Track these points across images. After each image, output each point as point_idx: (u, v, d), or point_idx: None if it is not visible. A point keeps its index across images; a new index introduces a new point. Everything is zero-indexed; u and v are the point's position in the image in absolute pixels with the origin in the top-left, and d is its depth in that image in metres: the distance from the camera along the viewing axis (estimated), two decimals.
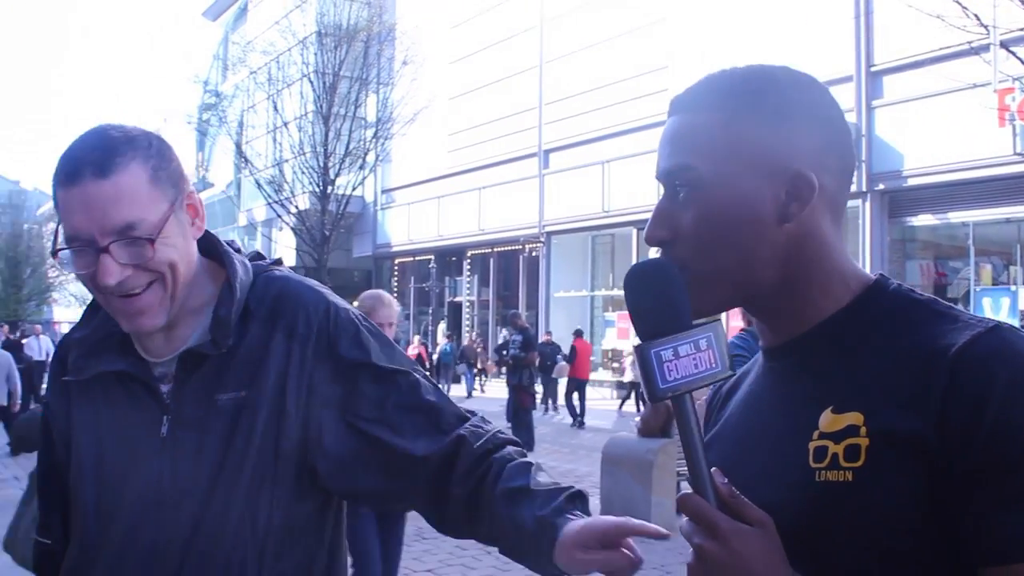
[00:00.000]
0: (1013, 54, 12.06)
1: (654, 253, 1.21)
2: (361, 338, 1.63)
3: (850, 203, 1.02)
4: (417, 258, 31.46)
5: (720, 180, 1.12)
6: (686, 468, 1.08)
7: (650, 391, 1.07)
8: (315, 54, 26.13)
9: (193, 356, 1.55)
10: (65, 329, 33.76)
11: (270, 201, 26.70)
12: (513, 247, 26.23)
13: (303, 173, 26.09)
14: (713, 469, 1.06)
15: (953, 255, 17.06)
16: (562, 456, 13.17)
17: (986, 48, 12.82)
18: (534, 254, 25.45)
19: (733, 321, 8.71)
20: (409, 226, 30.95)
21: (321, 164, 25.61)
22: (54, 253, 1.51)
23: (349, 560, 3.50)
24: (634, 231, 22.09)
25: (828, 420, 1.06)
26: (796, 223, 1.12)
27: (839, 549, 1.02)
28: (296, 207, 26.26)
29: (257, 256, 1.77)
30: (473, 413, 1.69)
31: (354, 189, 26.96)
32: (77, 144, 1.47)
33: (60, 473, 1.67)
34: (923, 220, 16.88)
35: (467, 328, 28.70)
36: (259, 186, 27.23)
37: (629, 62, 22.02)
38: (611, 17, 22.78)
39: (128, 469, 1.56)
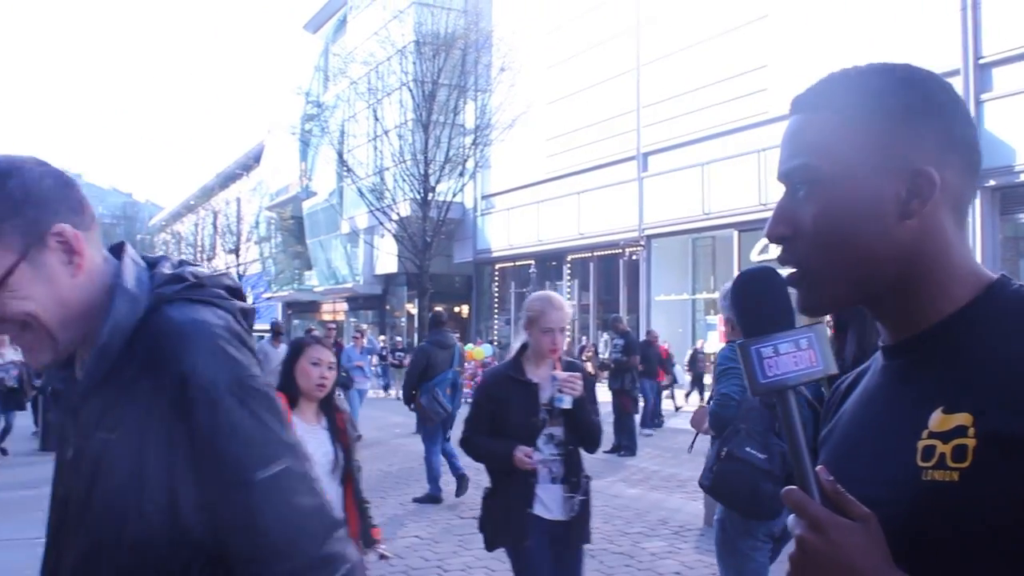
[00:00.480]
0: None
1: (756, 256, 1.27)
2: (218, 417, 1.41)
3: None
4: (517, 263, 31.52)
5: (840, 178, 1.13)
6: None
7: (751, 386, 1.11)
8: (414, 63, 26.53)
9: (81, 386, 1.50)
10: None
11: (372, 209, 27.15)
12: (613, 251, 26.07)
13: (404, 180, 26.47)
14: (819, 466, 1.08)
15: None
16: (664, 460, 13.06)
17: None
18: (634, 257, 25.27)
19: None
20: (509, 231, 31.07)
21: (421, 171, 25.96)
22: None
23: None
24: (735, 233, 21.81)
25: (938, 420, 1.06)
26: (917, 220, 1.11)
27: (942, 548, 1.01)
28: (397, 214, 26.64)
29: (174, 279, 1.59)
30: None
31: (454, 195, 27.23)
32: None
33: None
34: None
35: (567, 333, 28.65)
36: (361, 194, 27.72)
37: (727, 62, 21.77)
38: (709, 17, 22.57)
39: (56, 485, 1.57)
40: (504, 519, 4.11)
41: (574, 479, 4.10)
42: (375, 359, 24.62)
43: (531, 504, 4.00)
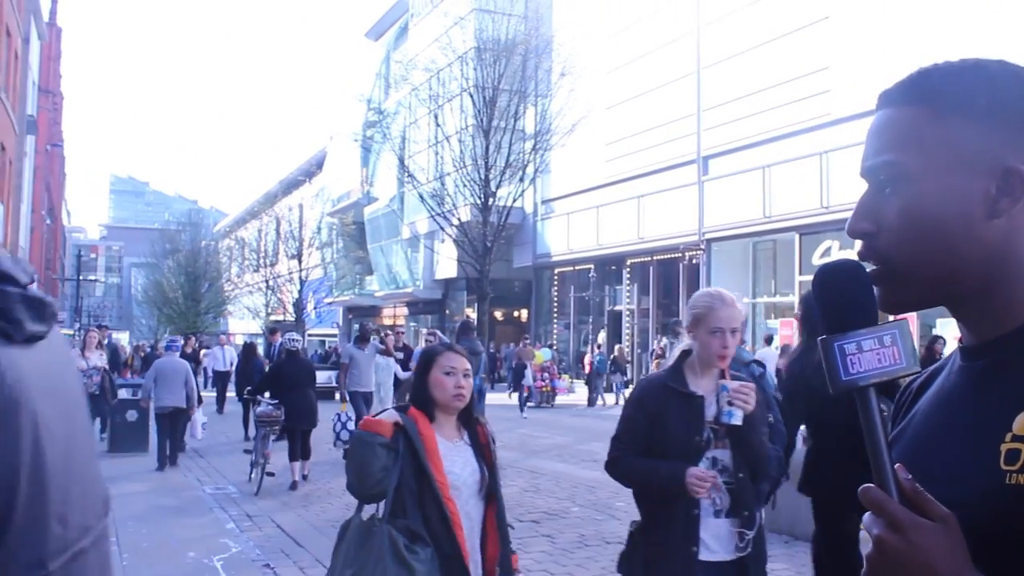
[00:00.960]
0: None
1: (818, 259, 1.27)
2: None
3: None
4: (577, 267, 31.63)
5: (927, 174, 1.12)
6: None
7: (831, 383, 1.09)
8: (474, 69, 26.75)
9: None
10: (239, 340, 35.32)
11: (432, 214, 27.42)
12: (673, 255, 26.08)
13: (464, 186, 26.69)
14: (897, 465, 1.06)
15: None
16: None
17: None
18: (694, 261, 25.25)
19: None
20: (568, 236, 31.14)
21: (482, 176, 26.16)
22: None
23: None
24: (796, 236, 21.73)
25: (1023, 423, 1.04)
26: (1005, 219, 1.09)
27: None
28: (458, 219, 26.87)
29: None
30: None
31: (514, 200, 27.40)
32: None
33: None
34: None
35: (627, 336, 28.70)
36: (422, 199, 28.01)
37: (789, 64, 21.70)
38: (770, 18, 22.51)
39: None
40: (661, 561, 3.44)
41: (746, 513, 3.45)
42: None
43: (696, 543, 3.37)
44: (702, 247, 24.69)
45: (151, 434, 14.57)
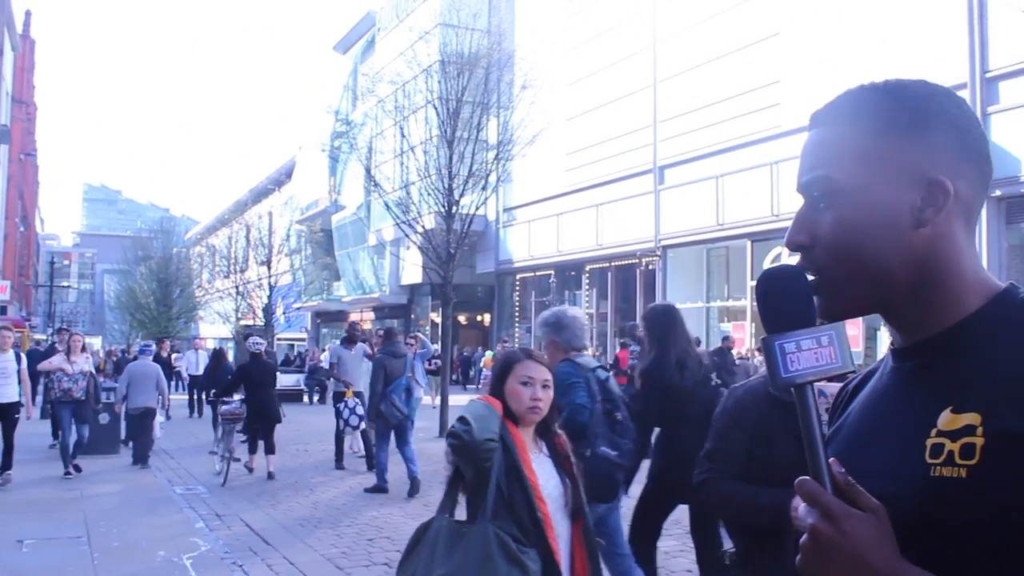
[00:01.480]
0: None
1: (769, 264, 1.46)
2: None
3: None
4: (538, 273, 31.93)
5: (857, 188, 1.15)
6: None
7: (772, 380, 1.13)
8: (439, 82, 26.99)
9: None
10: (211, 345, 35.52)
11: (398, 221, 27.61)
12: (630, 261, 26.51)
13: (429, 194, 26.89)
14: (831, 459, 1.09)
15: None
16: None
17: None
18: (651, 267, 25.69)
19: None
20: (530, 243, 31.53)
21: (446, 185, 26.40)
22: None
23: None
24: (748, 243, 22.22)
25: (947, 419, 1.07)
26: (931, 228, 1.14)
27: (949, 542, 1.03)
28: (422, 227, 27.14)
29: None
30: None
31: (477, 208, 27.61)
32: None
33: None
34: None
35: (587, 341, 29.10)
36: (387, 207, 28.18)
37: (741, 78, 22.14)
38: (723, 34, 22.95)
39: None
40: None
41: None
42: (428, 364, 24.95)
43: None
44: (658, 253, 25.13)
45: (123, 435, 15.18)
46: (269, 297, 43.34)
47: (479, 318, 36.16)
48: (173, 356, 27.96)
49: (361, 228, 40.70)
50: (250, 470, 13.04)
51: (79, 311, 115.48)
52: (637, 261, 26.14)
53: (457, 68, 26.72)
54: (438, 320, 30.77)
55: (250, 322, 44.27)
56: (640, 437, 5.59)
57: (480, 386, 27.55)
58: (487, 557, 2.97)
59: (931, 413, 1.10)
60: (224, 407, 13.28)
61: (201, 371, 23.35)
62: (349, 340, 14.64)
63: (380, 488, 11.47)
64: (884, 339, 16.33)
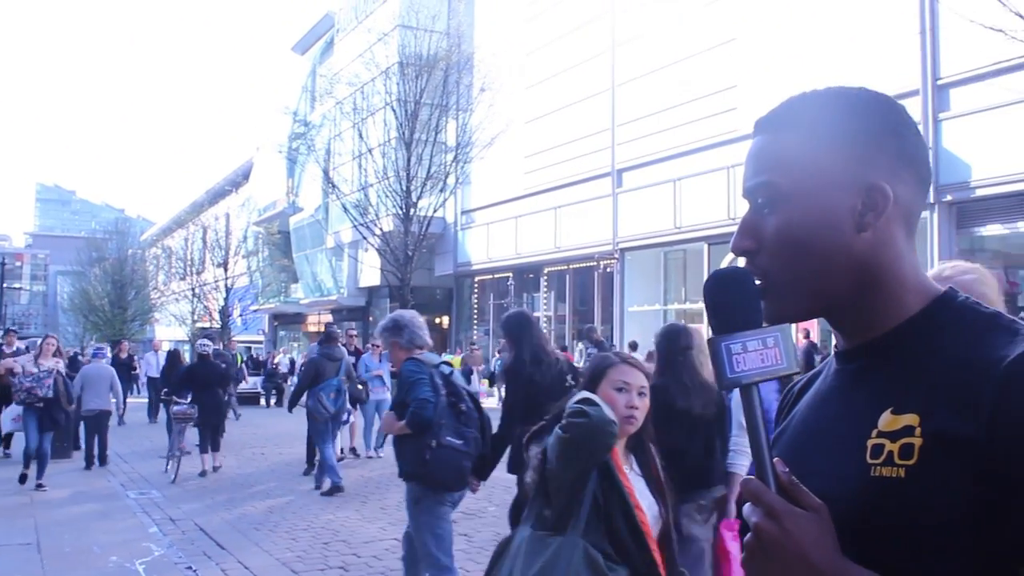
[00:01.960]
0: None
1: (726, 265, 1.32)
2: None
3: None
4: (496, 276, 31.90)
5: (800, 193, 1.17)
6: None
7: (718, 380, 1.15)
8: (397, 84, 27.01)
9: None
10: (166, 347, 35.17)
11: (356, 224, 27.62)
12: (588, 264, 26.49)
13: (387, 196, 26.91)
14: (776, 459, 1.11)
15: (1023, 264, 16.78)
16: None
17: None
18: (608, 270, 25.69)
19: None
20: (488, 245, 31.46)
21: (404, 188, 26.43)
22: None
23: None
24: (705, 246, 22.28)
25: (887, 420, 1.09)
26: (872, 232, 1.16)
27: (888, 540, 1.04)
28: (380, 229, 27.13)
29: None
30: None
31: (435, 211, 27.71)
32: None
33: None
34: (992, 230, 16.75)
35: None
36: (346, 210, 28.21)
37: (698, 83, 22.23)
38: (680, 40, 23.03)
39: None
40: None
41: None
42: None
43: None
44: (616, 256, 25.14)
45: (80, 440, 15.00)
46: (226, 299, 43.06)
47: (438, 320, 36.12)
48: (134, 359, 27.63)
49: (319, 230, 40.55)
50: (203, 474, 13.11)
51: (31, 313, 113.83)
52: (595, 264, 26.11)
53: (416, 70, 26.73)
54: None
55: (206, 324, 43.94)
56: (505, 428, 6.17)
57: None
58: (574, 573, 2.78)
59: (872, 414, 1.12)
60: (176, 407, 13.64)
61: (158, 372, 23.11)
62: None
63: (336, 487, 11.47)
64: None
